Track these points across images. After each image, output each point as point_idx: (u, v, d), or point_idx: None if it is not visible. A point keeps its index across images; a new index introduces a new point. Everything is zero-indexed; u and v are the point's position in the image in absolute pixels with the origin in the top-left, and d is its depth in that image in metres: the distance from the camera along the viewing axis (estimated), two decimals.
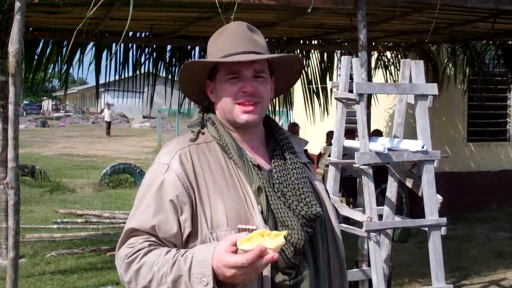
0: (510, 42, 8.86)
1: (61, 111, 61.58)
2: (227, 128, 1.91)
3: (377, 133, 8.98)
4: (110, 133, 32.98)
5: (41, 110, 61.95)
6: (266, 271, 1.72)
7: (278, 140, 1.97)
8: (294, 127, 10.37)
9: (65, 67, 7.86)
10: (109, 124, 33.86)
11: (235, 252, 1.59)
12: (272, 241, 1.58)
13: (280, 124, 2.21)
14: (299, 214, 1.80)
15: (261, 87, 1.87)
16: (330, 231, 1.95)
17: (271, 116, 2.03)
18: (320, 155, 10.28)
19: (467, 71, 9.77)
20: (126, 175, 14.33)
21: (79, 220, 10.02)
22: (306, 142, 2.13)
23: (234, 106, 1.86)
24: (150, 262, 1.71)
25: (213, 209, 1.76)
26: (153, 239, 1.77)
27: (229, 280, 1.62)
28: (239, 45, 1.86)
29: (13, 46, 4.16)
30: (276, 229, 1.76)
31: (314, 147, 10.17)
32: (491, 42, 9.08)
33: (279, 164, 1.90)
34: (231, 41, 1.87)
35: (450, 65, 9.64)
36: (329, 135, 10.67)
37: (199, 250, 1.68)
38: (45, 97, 64.30)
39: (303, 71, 9.14)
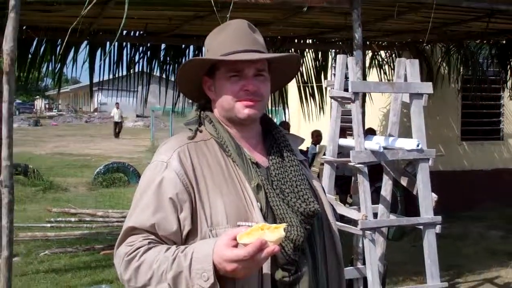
0: (503, 42, 8.89)
1: (53, 110, 61.41)
2: (225, 126, 1.91)
3: (371, 132, 8.99)
4: (119, 135, 31.04)
5: (34, 109, 61.72)
6: (266, 268, 1.72)
7: (275, 138, 1.97)
8: (285, 126, 10.39)
9: (58, 65, 7.83)
10: (118, 124, 31.57)
11: (236, 246, 1.59)
12: (272, 234, 1.58)
13: None
14: (298, 211, 1.81)
15: (262, 85, 1.88)
16: (327, 228, 1.96)
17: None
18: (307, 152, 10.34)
19: (461, 70, 9.81)
20: (120, 174, 14.30)
21: (73, 219, 9.99)
22: (302, 140, 2.14)
23: (235, 103, 1.86)
24: (150, 260, 1.70)
25: (212, 207, 1.76)
26: (153, 237, 1.76)
27: (230, 275, 1.61)
28: (242, 43, 1.87)
29: (8, 44, 4.14)
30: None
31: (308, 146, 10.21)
32: (485, 41, 9.11)
33: (276, 161, 1.90)
34: (233, 39, 1.87)
35: (444, 64, 9.67)
36: (314, 134, 10.71)
37: (199, 246, 1.67)
38: (38, 96, 64.07)
39: (299, 70, 9.15)
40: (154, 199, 1.78)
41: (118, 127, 31.56)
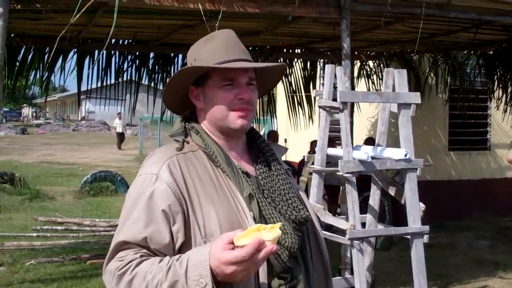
0: (491, 52, 8.97)
1: (40, 119, 61.10)
2: (213, 137, 1.90)
3: (371, 142, 9.00)
4: (121, 147, 28.33)
5: (21, 117, 61.40)
6: (263, 277, 1.72)
7: (260, 147, 1.97)
8: (273, 135, 10.39)
9: (46, 74, 7.79)
10: (121, 136, 28.87)
11: (233, 249, 1.56)
12: (269, 233, 1.57)
13: (262, 132, 2.23)
14: (289, 218, 1.81)
15: (253, 94, 1.89)
16: (313, 235, 1.96)
17: (253, 124, 2.04)
18: (302, 163, 10.30)
19: (449, 80, 9.87)
20: (107, 183, 14.21)
21: (59, 228, 9.91)
22: (286, 149, 2.15)
23: (228, 113, 1.85)
24: (143, 272, 1.65)
25: (205, 218, 1.74)
26: (144, 250, 1.72)
27: (229, 279, 1.58)
28: (234, 52, 1.87)
29: None
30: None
31: (298, 155, 10.19)
32: (472, 52, 9.19)
33: (264, 171, 1.90)
34: (225, 48, 1.87)
35: (432, 74, 9.73)
36: (313, 144, 10.69)
37: (194, 252, 1.64)
38: (25, 104, 63.77)
39: (287, 80, 9.17)
40: (145, 211, 1.74)
41: (121, 138, 29.01)
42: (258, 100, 1.95)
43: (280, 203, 1.83)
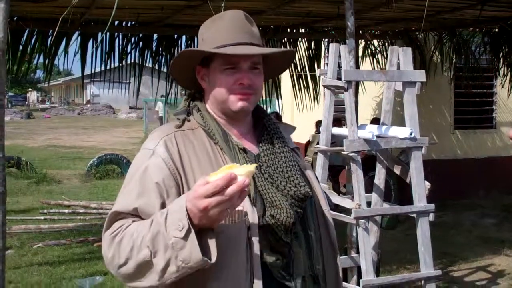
0: (496, 30, 8.89)
1: (46, 103, 61.16)
2: (215, 115, 1.92)
3: (376, 122, 8.97)
4: None
5: (26, 102, 61.47)
6: (256, 250, 1.72)
7: (265, 126, 1.98)
8: (276, 117, 10.36)
9: (49, 57, 7.77)
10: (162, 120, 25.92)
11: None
12: (242, 168, 1.57)
13: None
14: (288, 194, 1.81)
15: (256, 78, 1.89)
16: (321, 216, 1.97)
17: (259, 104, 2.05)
18: (308, 143, 10.29)
19: (454, 58, 9.80)
20: (113, 166, 14.28)
21: (66, 211, 9.97)
22: (293, 128, 2.15)
23: (228, 96, 1.86)
24: (130, 231, 1.68)
25: None
26: (137, 218, 1.76)
27: (205, 217, 1.56)
28: (239, 35, 1.86)
29: None
30: (264, 210, 1.77)
31: (303, 135, 10.18)
32: (477, 29, 9.11)
33: (267, 148, 1.91)
34: (229, 31, 1.86)
35: (437, 52, 9.66)
36: (318, 124, 10.65)
37: (174, 202, 1.66)
38: (30, 89, 63.82)
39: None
40: (139, 183, 1.78)
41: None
42: (262, 83, 1.94)
43: (279, 179, 1.84)
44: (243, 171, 1.56)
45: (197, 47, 2.01)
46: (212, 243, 1.60)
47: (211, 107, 1.93)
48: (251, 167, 1.59)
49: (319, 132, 10.64)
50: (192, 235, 1.56)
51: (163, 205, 1.73)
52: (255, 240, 1.73)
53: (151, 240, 1.60)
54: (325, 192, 2.07)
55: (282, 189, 1.82)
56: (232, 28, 1.86)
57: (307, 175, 1.99)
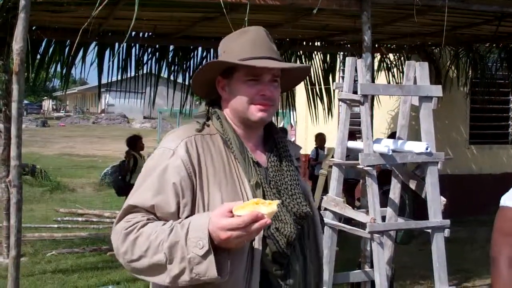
0: None
1: (60, 111, 61.61)
2: (233, 125, 1.99)
3: (394, 137, 8.95)
4: None
5: (42, 110, 61.95)
6: (257, 257, 1.81)
7: (276, 142, 2.06)
8: (321, 136, 10.36)
9: (66, 67, 7.84)
10: None
11: (231, 217, 1.67)
12: (266, 207, 1.67)
13: (282, 125, 2.27)
14: (291, 210, 1.93)
15: (276, 91, 1.98)
16: (312, 232, 2.07)
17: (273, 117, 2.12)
18: (309, 159, 10.26)
19: (470, 73, 9.76)
20: None
21: (80, 219, 10.01)
22: (300, 148, 2.23)
23: (249, 106, 1.93)
24: (147, 232, 1.76)
25: (211, 198, 1.85)
26: (152, 216, 1.83)
27: (223, 243, 1.68)
28: (262, 50, 1.95)
29: (18, 44, 4.16)
30: (270, 224, 1.83)
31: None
32: (494, 45, 9.07)
33: (275, 164, 2.00)
34: (253, 45, 1.95)
35: (453, 67, 9.63)
36: (318, 137, 10.62)
37: (196, 217, 1.76)
38: (45, 97, 64.31)
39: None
40: (157, 181, 1.85)
41: None
42: (279, 96, 2.00)
43: (285, 195, 1.94)
44: (266, 211, 1.66)
45: (217, 58, 2.10)
46: (225, 263, 1.72)
47: (229, 116, 2.00)
48: (275, 207, 1.69)
49: (319, 146, 10.65)
50: (211, 256, 1.67)
51: (178, 204, 1.83)
52: (258, 250, 1.83)
53: (169, 248, 1.71)
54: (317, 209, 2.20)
55: (286, 205, 1.93)
56: (256, 43, 1.96)
57: (306, 194, 2.08)
